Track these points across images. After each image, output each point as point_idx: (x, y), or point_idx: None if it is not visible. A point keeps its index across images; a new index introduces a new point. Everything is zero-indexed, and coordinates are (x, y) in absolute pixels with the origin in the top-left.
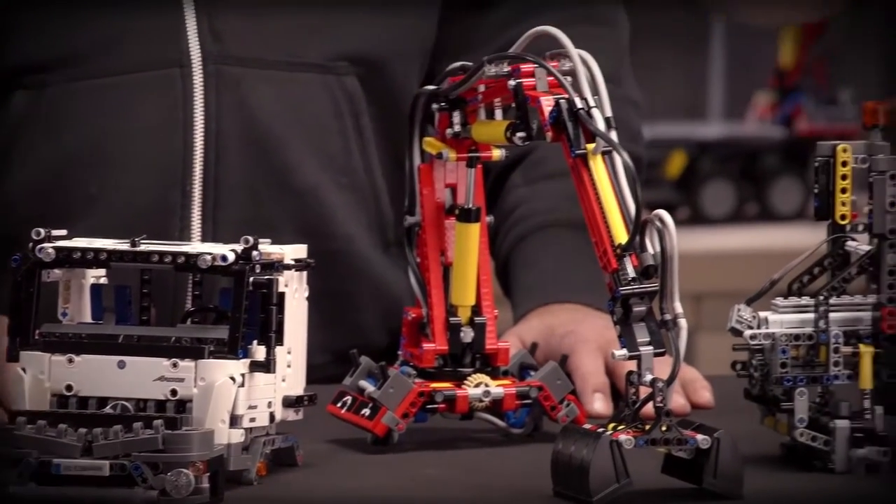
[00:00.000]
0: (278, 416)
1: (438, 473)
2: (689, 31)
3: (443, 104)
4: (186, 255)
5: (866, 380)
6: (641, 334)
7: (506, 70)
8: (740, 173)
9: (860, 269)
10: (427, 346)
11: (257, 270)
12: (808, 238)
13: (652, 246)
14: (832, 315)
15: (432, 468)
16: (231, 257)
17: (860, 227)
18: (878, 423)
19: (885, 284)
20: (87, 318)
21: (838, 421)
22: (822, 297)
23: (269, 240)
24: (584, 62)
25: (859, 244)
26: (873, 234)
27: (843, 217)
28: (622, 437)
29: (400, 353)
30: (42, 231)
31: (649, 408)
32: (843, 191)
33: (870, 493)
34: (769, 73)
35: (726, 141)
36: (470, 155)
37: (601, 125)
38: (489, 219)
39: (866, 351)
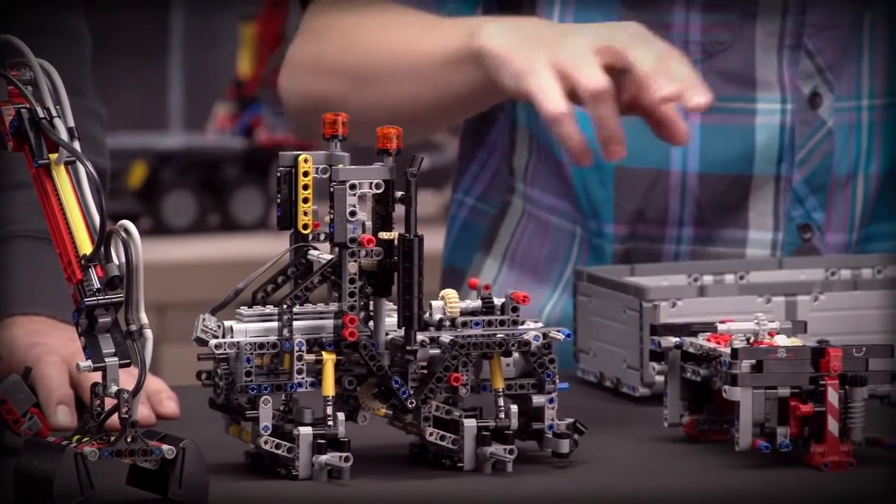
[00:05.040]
0: None
1: None
2: (147, 40)
3: None
4: None
5: (328, 386)
6: (107, 345)
7: None
8: (201, 183)
9: (322, 277)
10: None
11: None
12: (270, 247)
13: (117, 256)
14: (296, 323)
15: None
16: None
17: (322, 237)
18: (339, 429)
19: (347, 292)
20: None
21: (301, 428)
22: (285, 306)
23: None
24: (46, 72)
25: (321, 253)
26: (334, 243)
27: (305, 226)
28: (87, 449)
29: None
30: None
31: (115, 419)
32: (305, 200)
33: (335, 498)
34: (228, 83)
35: (187, 151)
36: None
37: (64, 135)
38: None
39: (329, 358)
